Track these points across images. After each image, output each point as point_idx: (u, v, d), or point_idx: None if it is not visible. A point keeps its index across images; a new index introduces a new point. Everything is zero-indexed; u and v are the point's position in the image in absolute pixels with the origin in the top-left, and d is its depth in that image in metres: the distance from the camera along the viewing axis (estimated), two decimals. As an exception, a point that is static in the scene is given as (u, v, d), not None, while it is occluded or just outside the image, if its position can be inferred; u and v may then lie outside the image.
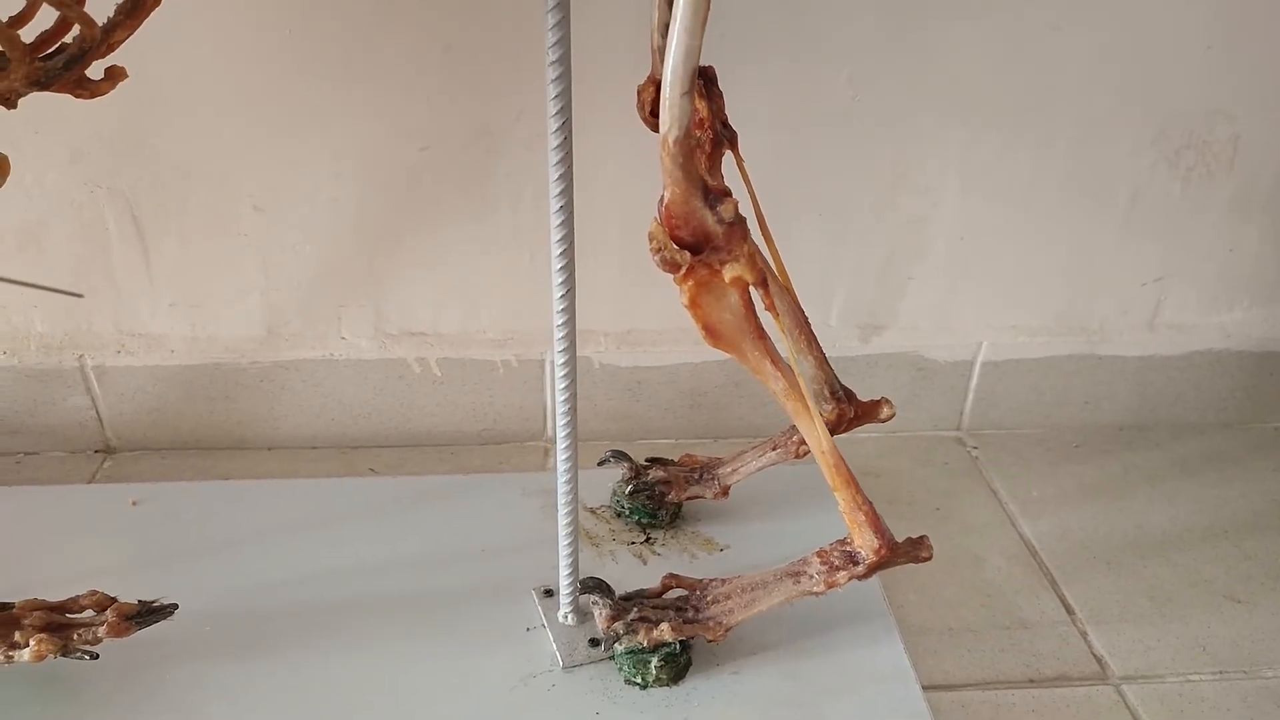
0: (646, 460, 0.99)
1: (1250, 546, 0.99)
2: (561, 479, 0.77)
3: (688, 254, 0.61)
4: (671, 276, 0.64)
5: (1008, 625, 0.90)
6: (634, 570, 0.91)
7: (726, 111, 0.77)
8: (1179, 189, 1.04)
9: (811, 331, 0.86)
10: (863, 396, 1.13)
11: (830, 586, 0.77)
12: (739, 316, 0.66)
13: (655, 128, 0.73)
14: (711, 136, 0.73)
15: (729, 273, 0.63)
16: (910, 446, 1.15)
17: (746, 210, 0.74)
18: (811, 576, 0.77)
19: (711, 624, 0.79)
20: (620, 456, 0.97)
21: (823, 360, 0.86)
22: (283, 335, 1.05)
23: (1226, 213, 1.05)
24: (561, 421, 0.75)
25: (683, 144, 0.59)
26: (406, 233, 1.01)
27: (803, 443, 0.89)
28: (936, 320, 1.10)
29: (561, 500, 0.78)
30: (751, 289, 0.66)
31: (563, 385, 0.73)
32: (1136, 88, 0.98)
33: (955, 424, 1.17)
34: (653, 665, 0.79)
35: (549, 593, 0.87)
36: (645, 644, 0.78)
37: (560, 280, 0.68)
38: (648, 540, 0.96)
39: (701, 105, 0.72)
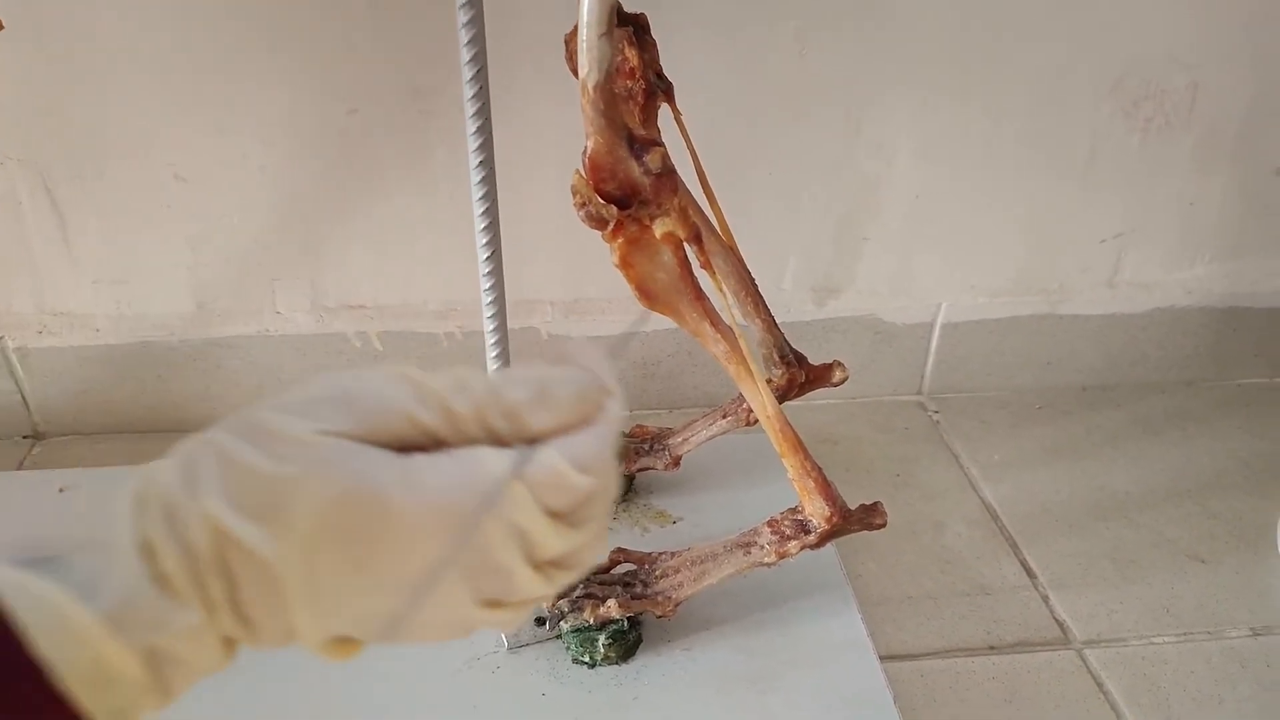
0: None
1: (1214, 505, 0.98)
2: None
3: (614, 208, 0.58)
4: (600, 234, 0.60)
5: (968, 592, 0.87)
6: (583, 546, 0.88)
7: (661, 62, 0.73)
8: (1138, 142, 1.01)
9: (758, 293, 0.83)
10: (819, 360, 1.10)
11: (781, 557, 0.74)
12: (673, 275, 0.63)
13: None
14: (644, 87, 0.69)
15: (659, 228, 0.59)
16: (869, 412, 1.12)
17: (685, 166, 0.71)
18: (762, 547, 0.74)
19: (660, 599, 0.76)
20: None
21: (771, 323, 0.83)
22: (214, 311, 1.01)
23: (1187, 165, 1.03)
24: None
25: (603, 90, 0.55)
26: (341, 201, 0.97)
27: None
28: (894, 282, 1.07)
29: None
30: (687, 247, 0.62)
31: (494, 355, 0.69)
32: (1092, 35, 0.95)
33: (916, 388, 1.14)
34: (600, 643, 0.76)
35: (493, 571, 0.83)
36: (591, 621, 0.75)
37: (484, 241, 0.64)
38: (598, 515, 0.92)
39: (632, 54, 0.68)
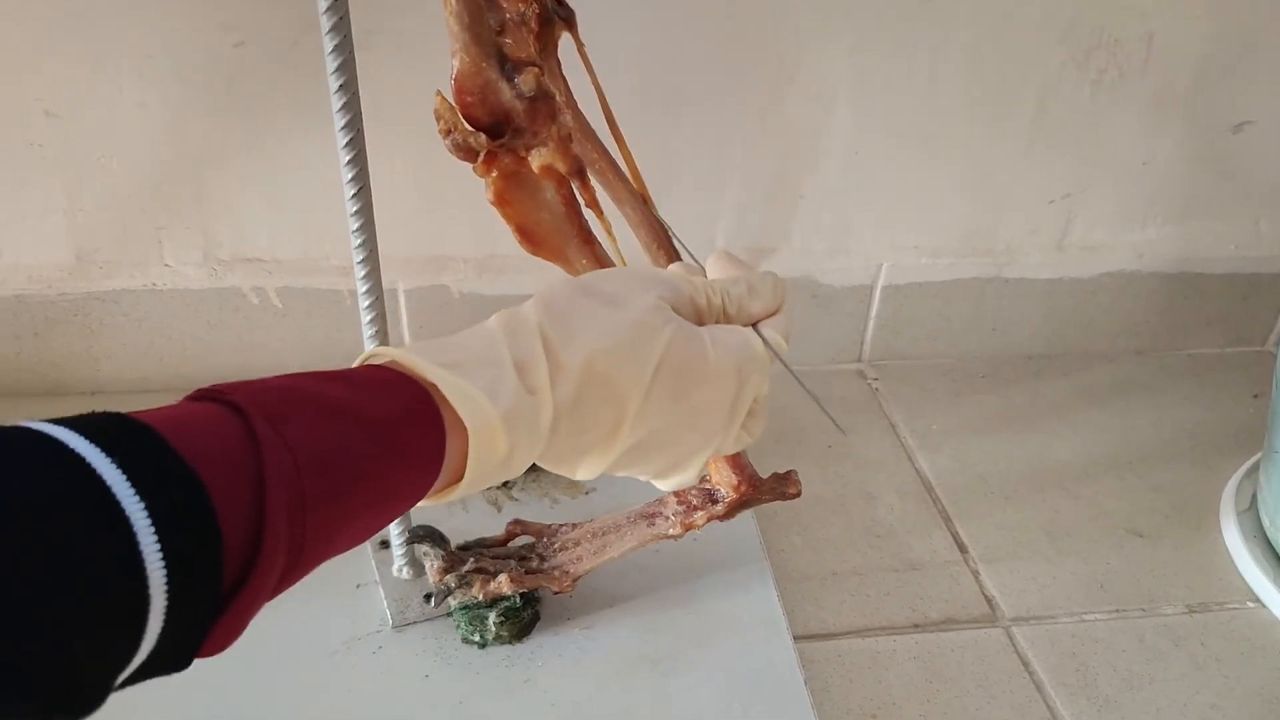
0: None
1: (1156, 478, 0.93)
2: None
3: (484, 137, 0.51)
4: (471, 167, 0.53)
5: (896, 567, 0.82)
6: (488, 518, 0.82)
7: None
8: (1089, 94, 0.95)
9: (672, 248, 0.76)
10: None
11: (687, 529, 0.68)
12: (558, 216, 0.56)
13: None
14: (539, 12, 0.62)
15: (536, 160, 0.52)
16: (806, 381, 1.06)
17: (589, 102, 0.64)
18: (667, 518, 0.69)
19: (557, 574, 0.70)
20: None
21: (686, 278, 0.76)
22: (95, 263, 0.93)
23: (1140, 121, 0.97)
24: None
25: (467, 1, 0.49)
26: (231, 143, 0.89)
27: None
28: (832, 241, 1.01)
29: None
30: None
31: (369, 319, 0.62)
32: (1042, -24, 0.89)
33: (855, 355, 1.09)
34: (491, 621, 0.70)
35: (384, 544, 0.77)
36: (481, 598, 0.69)
37: (352, 194, 0.57)
38: (505, 484, 0.86)
39: (525, -28, 0.61)
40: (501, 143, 0.52)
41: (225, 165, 0.90)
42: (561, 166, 0.53)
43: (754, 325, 0.43)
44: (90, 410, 0.29)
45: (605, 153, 0.70)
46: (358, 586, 0.75)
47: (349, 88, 0.54)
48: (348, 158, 0.57)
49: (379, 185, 0.91)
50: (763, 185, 0.97)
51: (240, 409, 0.31)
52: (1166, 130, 0.98)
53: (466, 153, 0.52)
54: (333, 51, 0.54)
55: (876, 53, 0.91)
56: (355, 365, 0.37)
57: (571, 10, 0.67)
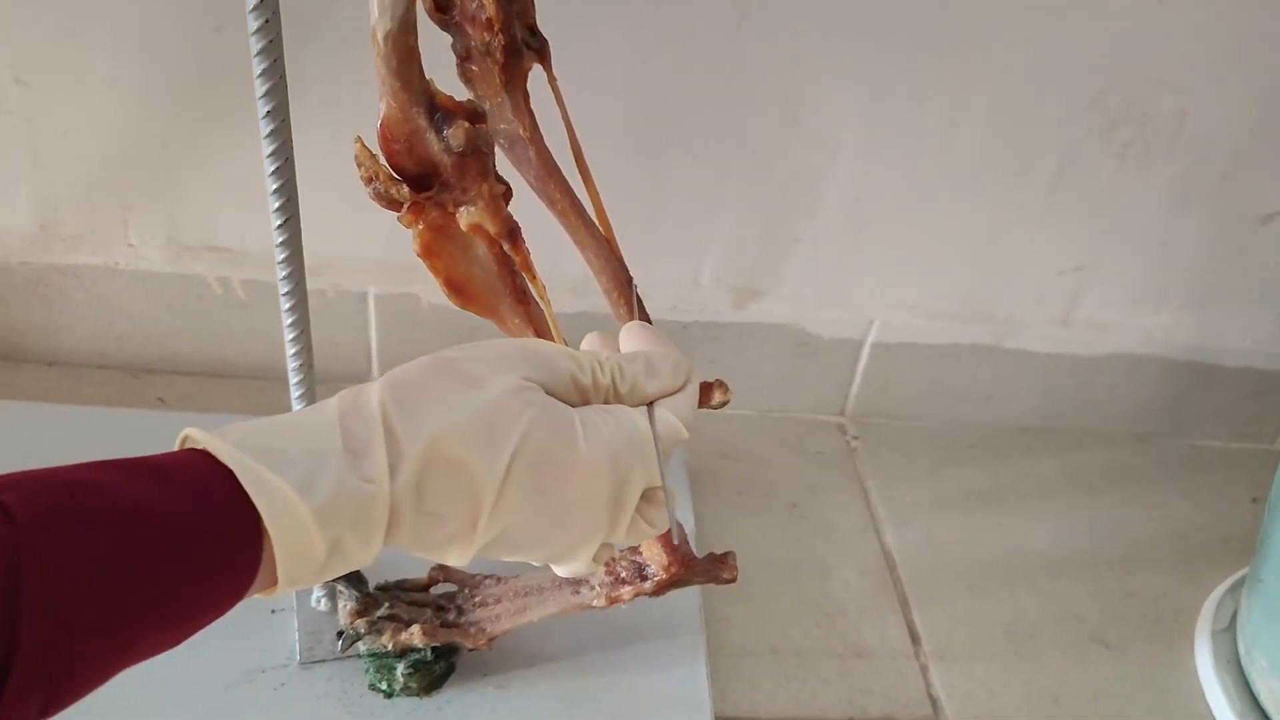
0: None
1: (1134, 582, 0.88)
2: None
3: (407, 189, 0.47)
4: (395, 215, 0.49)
5: (841, 652, 0.78)
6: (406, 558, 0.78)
7: (535, 15, 0.61)
8: (1112, 167, 0.89)
9: (635, 295, 0.72)
10: (734, 368, 1.00)
11: (612, 603, 0.64)
12: (490, 274, 0.52)
13: (442, 24, 0.58)
14: (504, 43, 0.57)
15: (464, 218, 0.48)
16: (783, 429, 1.02)
17: (559, 141, 0.60)
18: (593, 588, 0.65)
19: (473, 630, 0.67)
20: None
21: (648, 330, 0.72)
22: (58, 235, 0.90)
23: (1164, 200, 0.91)
24: (293, 365, 0.61)
25: (397, 42, 0.44)
26: (204, 130, 0.86)
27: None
28: (824, 291, 0.96)
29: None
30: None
31: (290, 321, 0.59)
32: (1073, 40, 0.83)
33: (838, 408, 1.04)
34: (399, 672, 0.67)
35: (307, 570, 0.74)
36: (390, 647, 0.66)
37: (275, 186, 0.54)
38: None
39: (490, 1, 0.57)
40: (429, 195, 0.48)
41: (196, 150, 0.87)
42: (491, 227, 0.48)
43: (650, 405, 0.40)
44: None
45: (569, 192, 0.65)
46: (273, 612, 0.72)
47: (273, 72, 0.51)
48: (270, 148, 0.53)
49: (355, 185, 0.86)
50: (756, 225, 0.92)
51: (9, 513, 0.27)
52: (1191, 212, 0.92)
53: (389, 203, 0.48)
54: (257, 32, 0.50)
55: (891, 103, 0.86)
56: (177, 448, 0.34)
57: (544, 41, 0.62)
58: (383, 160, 0.47)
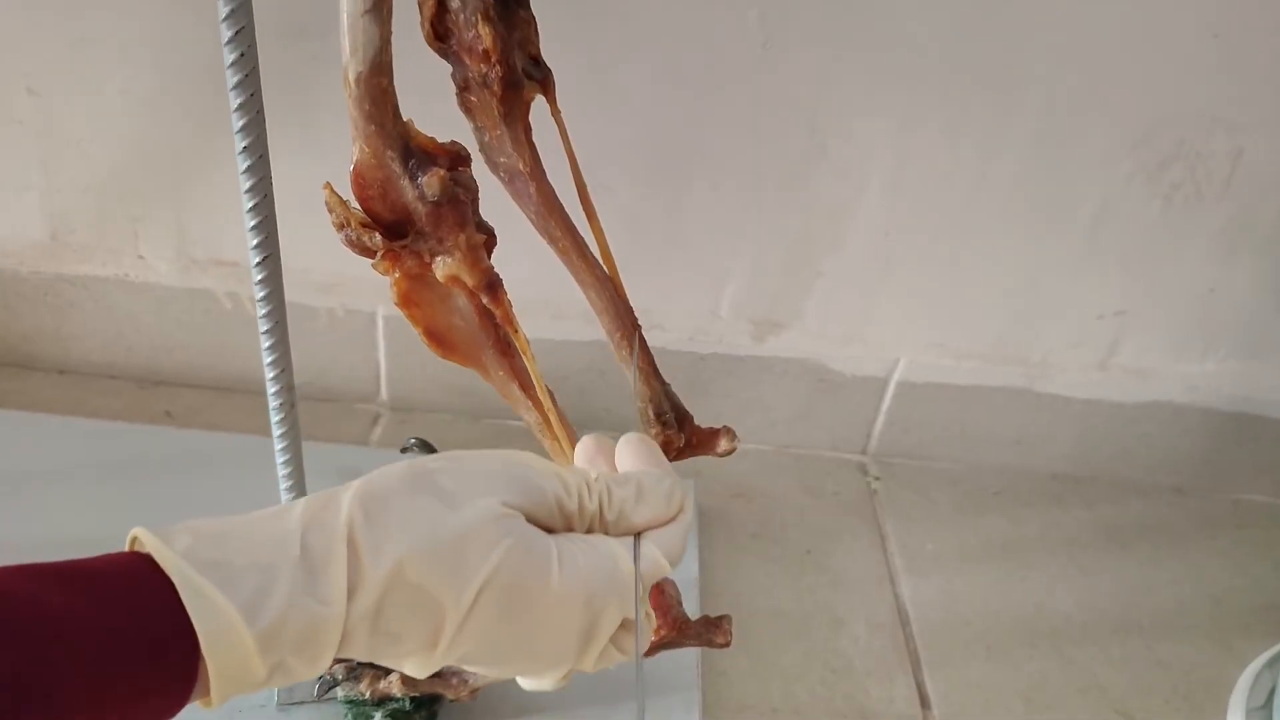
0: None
1: (1165, 650, 0.83)
2: (279, 457, 0.62)
3: (379, 237, 0.44)
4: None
5: (845, 713, 0.74)
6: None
7: (539, 44, 0.58)
8: (1158, 209, 0.84)
9: (640, 338, 0.69)
10: (747, 403, 0.97)
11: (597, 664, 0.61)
12: (472, 325, 0.50)
13: (441, 52, 0.55)
14: (502, 74, 0.54)
15: (440, 270, 0.46)
16: (801, 467, 0.98)
17: (561, 176, 0.57)
18: (580, 645, 0.62)
19: (455, 681, 0.64)
20: (424, 446, 0.81)
21: (651, 374, 0.69)
22: (69, 245, 0.89)
23: (1212, 244, 0.86)
24: (270, 375, 0.59)
25: (369, 84, 0.42)
26: (214, 142, 0.84)
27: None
28: (848, 327, 0.92)
29: (282, 485, 0.63)
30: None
31: (266, 328, 0.57)
32: (1120, 75, 0.78)
33: (860, 447, 1.00)
34: (377, 721, 0.64)
35: (294, 605, 0.72)
36: (368, 695, 0.63)
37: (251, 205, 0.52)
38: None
39: (488, 31, 0.53)
40: (405, 244, 0.45)
41: (206, 164, 0.85)
42: (469, 280, 0.46)
43: (638, 537, 0.37)
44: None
45: (571, 230, 0.62)
46: (256, 648, 0.70)
47: (248, 85, 0.49)
48: (245, 164, 0.51)
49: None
50: (779, 256, 0.89)
51: None
52: (1240, 258, 0.87)
53: (362, 250, 0.45)
54: (231, 41, 0.49)
55: (923, 135, 0.82)
56: (126, 548, 0.32)
57: (547, 71, 0.59)
58: (355, 206, 0.45)
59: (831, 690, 0.76)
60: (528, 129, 0.59)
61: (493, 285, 0.47)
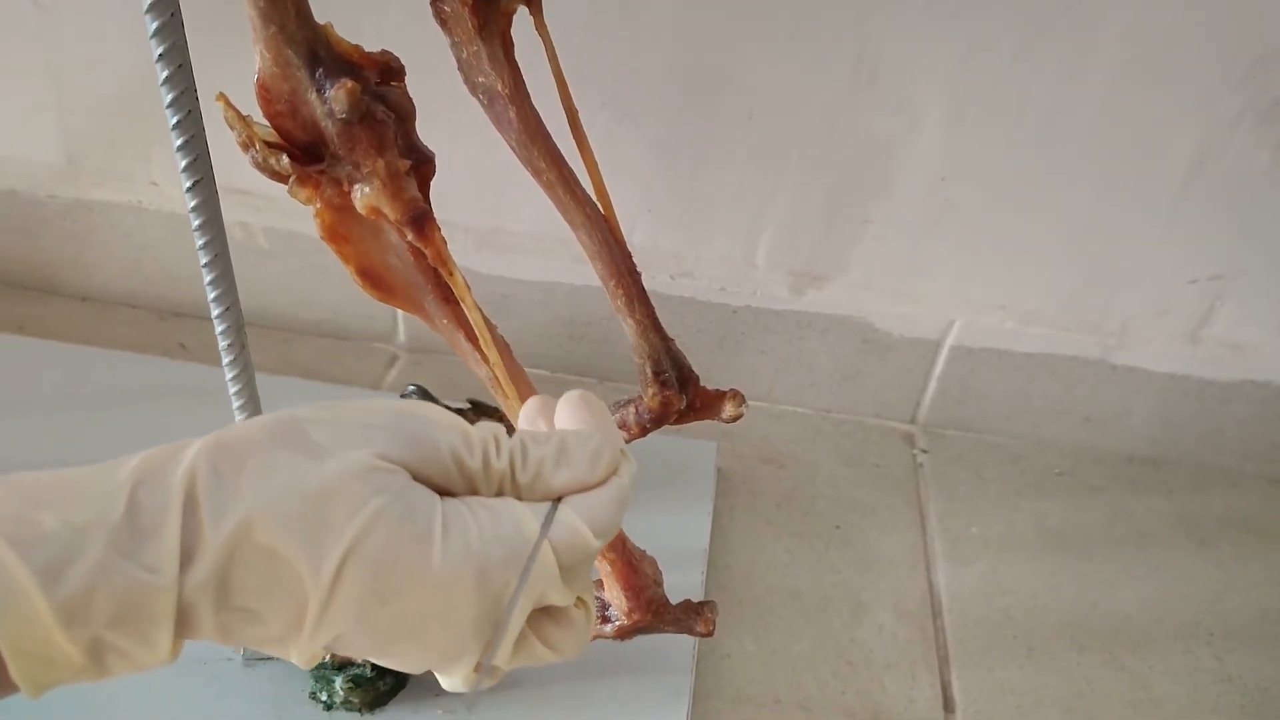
0: (469, 401, 0.79)
1: (1236, 662, 0.73)
2: (234, 402, 0.58)
3: (287, 159, 0.38)
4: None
5: (855, 711, 0.67)
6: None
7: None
8: (1266, 160, 0.72)
9: (638, 287, 0.61)
10: (785, 361, 0.89)
11: (569, 642, 0.56)
12: (409, 265, 0.43)
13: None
14: (474, -19, 0.48)
15: (359, 198, 0.40)
16: (841, 434, 0.90)
17: (547, 99, 0.51)
18: (551, 621, 0.56)
19: (421, 650, 0.60)
20: (423, 394, 0.76)
21: (649, 325, 0.62)
22: (85, 169, 0.87)
23: (1335, 201, 0.73)
24: (216, 313, 0.55)
25: (262, -26, 0.35)
26: (226, 66, 0.79)
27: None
28: (897, 282, 0.83)
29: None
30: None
31: (206, 260, 0.52)
32: (1227, 2, 0.66)
33: (908, 415, 0.91)
34: (338, 685, 0.61)
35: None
36: (327, 659, 0.60)
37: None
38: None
39: (451, -74, 0.47)
40: (321, 169, 0.39)
41: (218, 84, 0.81)
42: (389, 212, 0.39)
43: (555, 502, 0.31)
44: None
45: (558, 161, 0.56)
46: (231, 596, 0.67)
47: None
48: (164, 74, 0.46)
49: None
50: (821, 201, 0.80)
51: None
52: (1372, 220, 0.74)
53: (272, 175, 0.40)
54: None
55: (991, 63, 0.71)
56: None
57: (530, -19, 0.52)
58: (262, 125, 0.39)
59: (845, 684, 0.69)
60: (508, 45, 0.53)
61: (418, 220, 0.40)
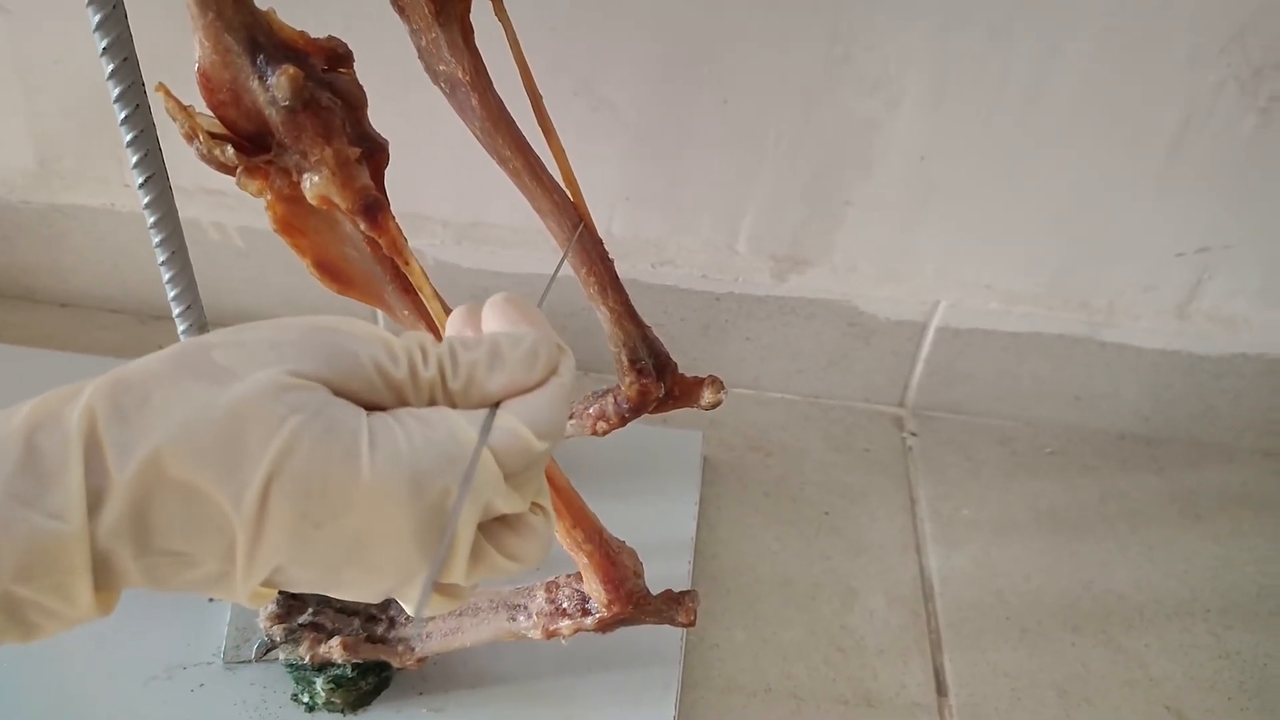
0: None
1: (1234, 640, 0.72)
2: None
3: (231, 150, 0.37)
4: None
5: (848, 698, 0.66)
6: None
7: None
8: (1252, 125, 0.71)
9: (611, 274, 0.61)
10: (770, 348, 0.88)
11: (550, 636, 0.55)
12: (366, 255, 0.42)
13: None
14: (429, -38, 0.47)
15: (309, 188, 0.39)
16: (830, 418, 0.89)
17: (510, 85, 0.50)
18: (531, 616, 0.56)
19: (401, 648, 0.59)
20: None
21: (624, 313, 0.61)
22: (57, 173, 0.86)
23: (1322, 168, 0.72)
24: (178, 311, 0.54)
25: (198, -42, 0.34)
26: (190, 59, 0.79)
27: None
28: (881, 264, 0.82)
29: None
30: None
31: (164, 258, 0.51)
32: (1209, -38, 0.65)
33: (896, 398, 0.90)
34: (319, 686, 0.60)
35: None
36: (307, 660, 0.59)
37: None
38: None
39: (401, -92, 0.46)
40: (268, 159, 0.38)
41: (186, 84, 0.80)
42: (340, 202, 0.38)
43: (493, 407, 0.30)
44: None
45: (523, 149, 0.55)
46: (210, 600, 0.66)
47: None
48: (110, 67, 0.45)
49: (397, 131, 0.77)
50: (801, 184, 0.79)
51: None
52: (1360, 186, 0.73)
53: (218, 166, 0.39)
54: None
55: (968, 36, 0.70)
56: None
57: (490, -38, 0.51)
58: (206, 115, 0.38)
59: (836, 671, 0.68)
60: (467, 31, 0.52)
61: (370, 208, 0.39)
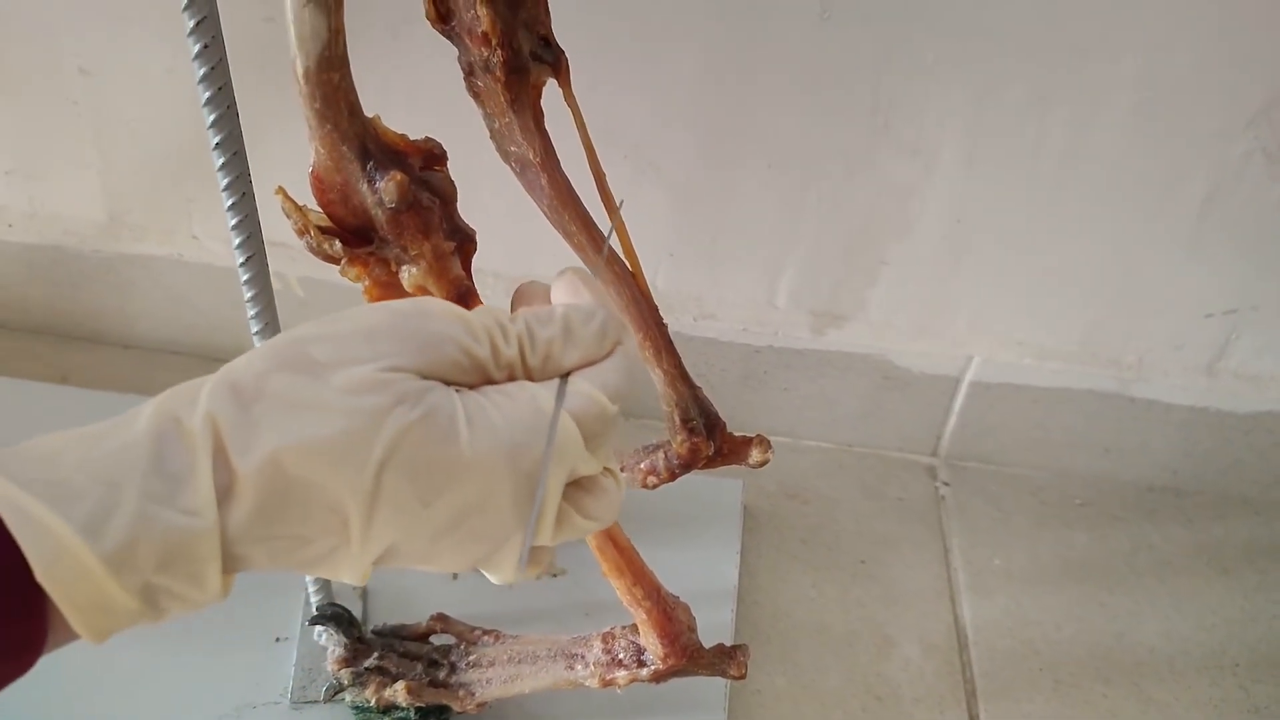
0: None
1: (1262, 693, 0.74)
2: None
3: (339, 244, 0.41)
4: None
5: (886, 745, 0.69)
6: (436, 584, 0.74)
7: (550, 24, 0.54)
8: (1277, 197, 0.73)
9: (666, 339, 0.64)
10: (807, 398, 0.91)
11: (606, 685, 0.58)
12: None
13: (445, 34, 0.52)
14: (504, 59, 0.50)
15: (406, 280, 0.42)
16: (865, 467, 0.92)
17: (576, 163, 0.53)
18: (588, 665, 0.59)
19: (462, 693, 0.62)
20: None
21: (676, 376, 0.64)
22: (126, 224, 0.90)
23: (1347, 236, 0.75)
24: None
25: (319, 80, 0.38)
26: (261, 123, 0.83)
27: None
28: (916, 320, 0.85)
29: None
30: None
31: (253, 312, 0.55)
32: (1236, 40, 0.68)
33: (929, 448, 0.93)
34: (383, 727, 0.63)
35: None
36: (373, 703, 0.62)
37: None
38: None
39: (485, 12, 0.49)
40: (370, 250, 0.42)
41: (254, 144, 0.84)
42: (436, 292, 0.42)
43: (564, 376, 0.31)
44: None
45: (588, 225, 0.58)
46: (277, 640, 0.69)
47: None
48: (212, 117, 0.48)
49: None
50: (840, 244, 0.82)
51: None
52: (1384, 253, 0.75)
53: (325, 257, 0.42)
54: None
55: (1004, 106, 0.73)
56: None
57: (559, 53, 0.55)
58: (315, 211, 0.42)
59: (873, 718, 0.70)
60: (538, 116, 0.55)
61: (462, 298, 0.43)
